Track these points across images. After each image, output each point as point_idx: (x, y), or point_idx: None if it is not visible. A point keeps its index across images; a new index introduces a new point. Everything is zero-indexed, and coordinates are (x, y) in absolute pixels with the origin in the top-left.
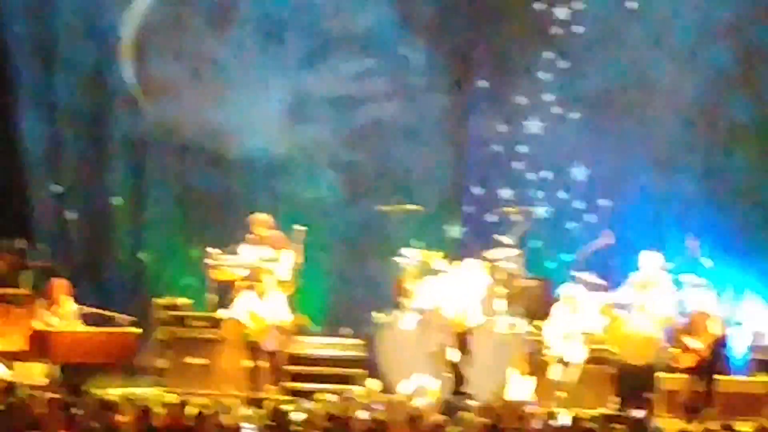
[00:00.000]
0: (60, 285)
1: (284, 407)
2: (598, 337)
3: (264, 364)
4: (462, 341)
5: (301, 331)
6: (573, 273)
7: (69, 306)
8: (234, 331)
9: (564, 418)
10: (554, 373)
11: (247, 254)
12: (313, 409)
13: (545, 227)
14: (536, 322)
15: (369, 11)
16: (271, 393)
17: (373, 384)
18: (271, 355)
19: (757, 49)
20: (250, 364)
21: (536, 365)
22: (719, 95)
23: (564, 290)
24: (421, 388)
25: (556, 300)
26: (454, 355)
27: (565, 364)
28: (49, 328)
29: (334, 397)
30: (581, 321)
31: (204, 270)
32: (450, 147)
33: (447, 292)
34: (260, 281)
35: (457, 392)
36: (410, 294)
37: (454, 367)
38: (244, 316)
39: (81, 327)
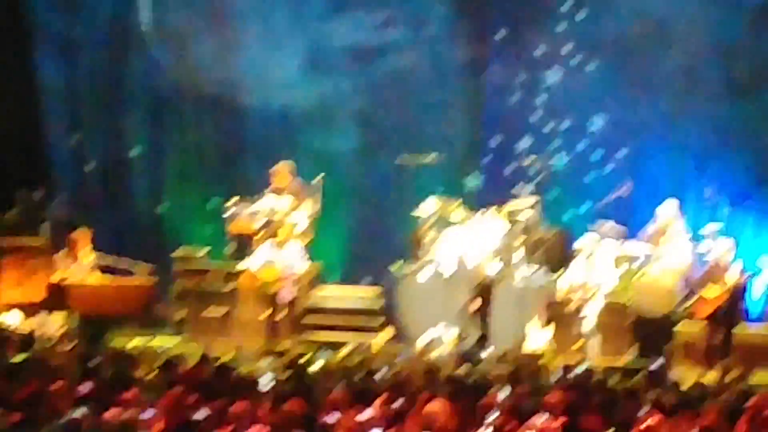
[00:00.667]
0: (82, 236)
1: (302, 358)
2: (616, 288)
3: (281, 315)
4: (481, 292)
5: (317, 280)
6: (592, 225)
7: (89, 257)
8: (248, 282)
9: (582, 368)
10: (573, 324)
11: (265, 205)
12: (331, 360)
13: (563, 177)
14: (554, 273)
15: None
16: (289, 344)
17: (388, 335)
18: (289, 305)
19: None
20: (267, 314)
21: (555, 316)
22: (739, 40)
23: (582, 241)
24: (438, 339)
25: (574, 250)
26: (473, 306)
27: (584, 315)
28: (67, 278)
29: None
30: (598, 271)
31: (222, 221)
32: (468, 97)
33: (465, 243)
34: (277, 232)
35: (476, 343)
36: (429, 245)
37: (474, 318)
38: (259, 267)
39: (99, 277)
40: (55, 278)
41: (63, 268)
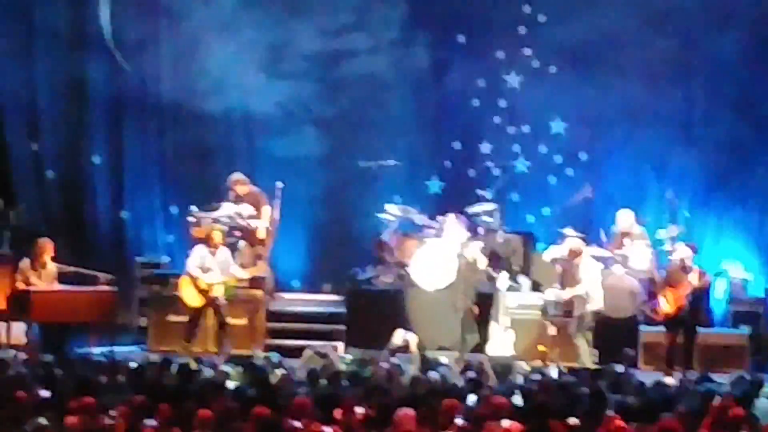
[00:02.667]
0: (46, 245)
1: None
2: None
3: (239, 321)
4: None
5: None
6: (560, 231)
7: (51, 266)
8: (188, 285)
9: (549, 371)
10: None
11: (227, 211)
12: (294, 366)
13: (525, 181)
14: (517, 276)
15: None
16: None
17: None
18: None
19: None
20: (233, 321)
21: (518, 319)
22: (696, 47)
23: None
24: (404, 344)
25: (536, 254)
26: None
27: (548, 317)
28: (30, 287)
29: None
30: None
31: (185, 228)
32: (430, 102)
33: (427, 247)
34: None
35: (441, 347)
36: (391, 249)
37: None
38: (196, 271)
39: (61, 286)
40: (19, 286)
41: (26, 276)
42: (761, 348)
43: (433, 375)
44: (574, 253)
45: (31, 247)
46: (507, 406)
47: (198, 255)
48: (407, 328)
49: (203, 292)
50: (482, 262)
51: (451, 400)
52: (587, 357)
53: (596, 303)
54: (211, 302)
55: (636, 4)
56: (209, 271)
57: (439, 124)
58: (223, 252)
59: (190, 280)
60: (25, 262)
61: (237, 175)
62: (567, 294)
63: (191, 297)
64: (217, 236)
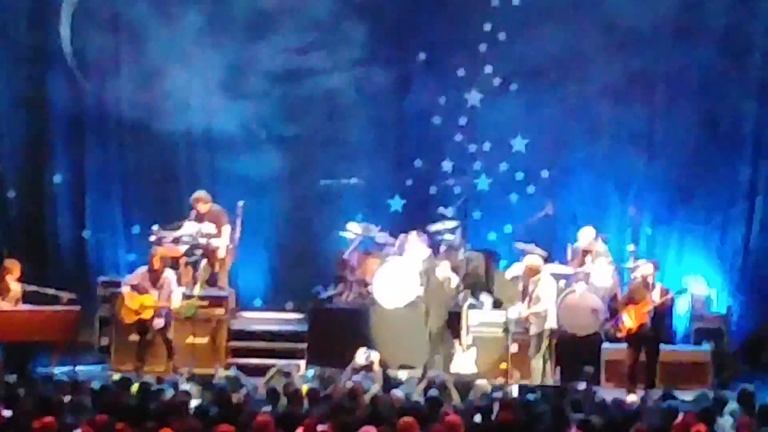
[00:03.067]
0: (11, 267)
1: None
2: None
3: (201, 340)
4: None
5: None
6: (517, 246)
7: (16, 287)
8: (126, 304)
9: (511, 389)
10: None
11: (188, 230)
12: (256, 385)
13: (486, 199)
14: (478, 294)
15: None
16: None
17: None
18: (161, 332)
19: (695, 14)
20: (195, 340)
21: (480, 337)
22: (657, 64)
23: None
24: (368, 362)
25: (498, 271)
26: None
27: (510, 335)
28: None
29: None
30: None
31: (146, 247)
32: (391, 120)
33: (389, 265)
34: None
35: (403, 365)
36: (353, 267)
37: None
38: (127, 291)
39: (23, 306)
40: None
41: None
42: (724, 365)
43: (396, 393)
44: (532, 271)
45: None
46: (464, 425)
47: (137, 274)
48: (370, 346)
49: (135, 312)
50: (453, 281)
51: (411, 419)
52: (544, 376)
53: (553, 321)
54: (143, 323)
55: (597, 21)
56: (146, 291)
57: (400, 142)
58: (166, 275)
59: (124, 297)
60: None
61: (199, 193)
62: (525, 312)
63: (126, 314)
64: (157, 262)
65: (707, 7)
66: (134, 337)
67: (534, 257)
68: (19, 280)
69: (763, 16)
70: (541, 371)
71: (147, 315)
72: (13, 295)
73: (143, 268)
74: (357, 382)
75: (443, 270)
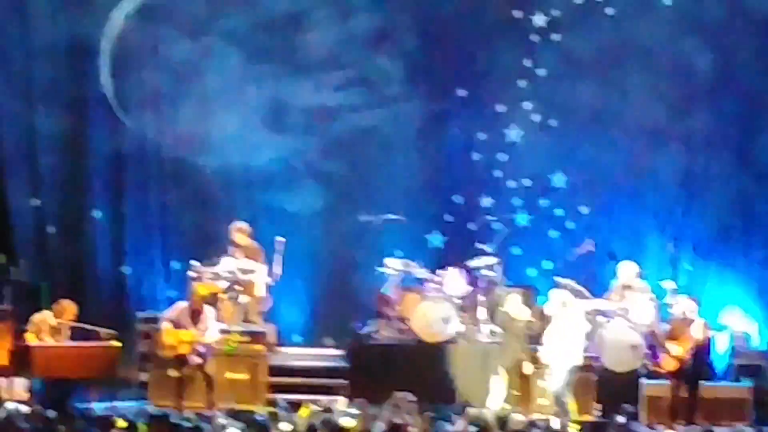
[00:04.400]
0: (68, 308)
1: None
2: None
3: (241, 376)
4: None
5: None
6: (556, 280)
7: (66, 328)
8: (168, 338)
9: (551, 423)
10: (541, 380)
11: (228, 266)
12: (296, 421)
13: (526, 235)
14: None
15: (347, 21)
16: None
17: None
18: (199, 368)
19: (736, 54)
20: (234, 376)
21: (518, 373)
22: (697, 101)
23: (552, 297)
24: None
25: (538, 308)
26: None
27: (555, 371)
28: (34, 343)
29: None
30: (568, 328)
31: (186, 282)
32: (430, 156)
33: (429, 301)
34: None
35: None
36: (392, 304)
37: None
38: (166, 326)
39: (63, 341)
40: (27, 338)
41: (39, 329)
42: (764, 401)
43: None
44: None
45: (56, 306)
46: None
47: (176, 309)
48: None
49: (173, 347)
50: (525, 314)
51: None
52: (572, 413)
53: (579, 357)
54: (181, 358)
55: (636, 60)
56: (184, 327)
57: (439, 177)
58: (206, 311)
59: (165, 331)
60: (42, 316)
61: (239, 224)
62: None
63: (165, 349)
64: (197, 299)
65: (749, 47)
66: (173, 372)
67: (562, 292)
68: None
69: None
70: (570, 408)
71: (185, 350)
72: (63, 335)
73: (182, 303)
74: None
75: (512, 304)
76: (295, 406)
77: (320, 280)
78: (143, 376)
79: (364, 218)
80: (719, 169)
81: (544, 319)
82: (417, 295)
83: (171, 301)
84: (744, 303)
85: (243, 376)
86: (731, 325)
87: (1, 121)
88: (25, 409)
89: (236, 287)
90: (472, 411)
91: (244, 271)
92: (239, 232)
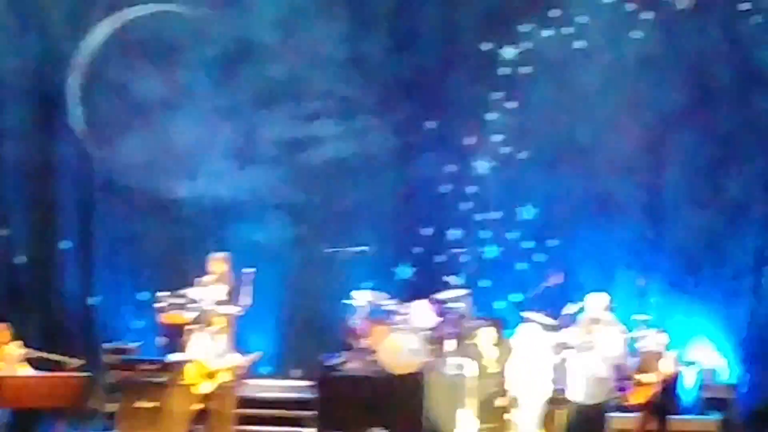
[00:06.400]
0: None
1: None
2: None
3: (215, 406)
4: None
5: (252, 373)
6: (523, 313)
7: (11, 349)
8: (196, 373)
9: None
10: (509, 414)
11: (196, 296)
12: None
13: (494, 267)
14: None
15: (316, 53)
16: None
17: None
18: (224, 397)
19: (706, 88)
20: (202, 407)
21: (490, 406)
22: (666, 134)
23: (520, 330)
24: None
25: (506, 340)
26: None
27: (522, 404)
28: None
29: None
30: (536, 361)
31: (154, 313)
32: (399, 188)
33: (397, 333)
34: (210, 323)
35: None
36: (360, 336)
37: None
38: (202, 357)
39: (28, 371)
40: None
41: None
42: None
43: None
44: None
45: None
46: None
47: (199, 343)
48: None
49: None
50: (495, 349)
51: None
52: None
53: (548, 390)
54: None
55: (605, 93)
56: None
57: (408, 210)
58: (223, 339)
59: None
60: (8, 346)
61: (218, 254)
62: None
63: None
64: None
65: (720, 81)
66: (141, 403)
67: (528, 326)
68: (18, 343)
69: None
70: None
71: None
72: (11, 357)
73: (201, 334)
74: None
75: (483, 340)
76: None
77: (289, 311)
78: (111, 407)
79: (332, 250)
80: (689, 202)
81: (511, 352)
82: (385, 326)
83: (139, 332)
84: (712, 337)
85: (213, 406)
86: (699, 358)
87: None
88: None
89: (203, 318)
90: None
91: (214, 302)
92: (218, 261)
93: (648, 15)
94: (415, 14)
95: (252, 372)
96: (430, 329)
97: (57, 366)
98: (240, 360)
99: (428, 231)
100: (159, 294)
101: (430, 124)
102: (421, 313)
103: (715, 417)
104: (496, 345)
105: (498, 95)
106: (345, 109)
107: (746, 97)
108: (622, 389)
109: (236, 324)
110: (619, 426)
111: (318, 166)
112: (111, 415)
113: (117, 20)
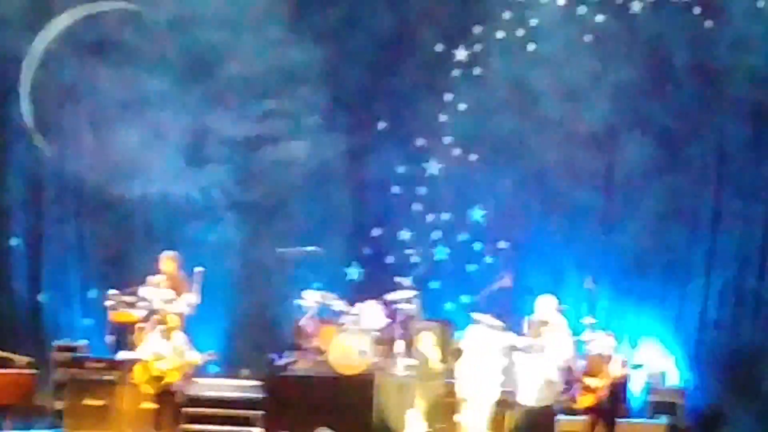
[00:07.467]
0: None
1: None
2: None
3: (163, 405)
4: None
5: (200, 372)
6: (473, 315)
7: None
8: (145, 372)
9: None
10: (458, 415)
11: (146, 295)
12: None
13: (444, 269)
14: (434, 364)
15: (268, 53)
16: None
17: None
18: (173, 395)
19: (656, 91)
20: (151, 405)
21: (439, 408)
22: (617, 136)
23: (469, 332)
24: None
25: (455, 342)
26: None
27: (471, 406)
28: None
29: None
30: (485, 363)
31: (103, 311)
32: (349, 188)
33: (347, 334)
34: (161, 322)
35: None
36: (309, 336)
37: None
38: (151, 356)
39: None
40: None
41: None
42: None
43: None
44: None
45: None
46: None
47: (151, 342)
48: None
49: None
50: (437, 353)
51: None
52: None
53: (496, 392)
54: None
55: (556, 95)
56: (164, 356)
57: (358, 210)
58: (178, 337)
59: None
60: None
61: (169, 253)
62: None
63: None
64: (171, 323)
65: (673, 85)
66: (89, 401)
67: (477, 329)
68: None
69: (722, 97)
70: None
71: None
72: None
73: (154, 334)
74: None
75: (424, 344)
76: None
77: (238, 311)
78: (59, 405)
79: (282, 250)
80: (638, 204)
81: (460, 354)
82: (334, 327)
83: (87, 330)
84: (661, 339)
85: (156, 406)
86: (648, 361)
87: None
88: None
89: (152, 317)
90: None
91: (163, 300)
92: (168, 260)
93: (600, 18)
94: (368, 15)
95: (200, 371)
96: (380, 330)
97: (5, 363)
98: (193, 358)
99: (379, 232)
100: (109, 292)
101: (382, 125)
102: (371, 313)
103: (663, 420)
104: (438, 347)
105: (450, 96)
106: (297, 109)
107: (698, 101)
108: (570, 392)
109: (185, 323)
110: (567, 429)
111: (269, 165)
112: (59, 413)
113: (70, 18)
